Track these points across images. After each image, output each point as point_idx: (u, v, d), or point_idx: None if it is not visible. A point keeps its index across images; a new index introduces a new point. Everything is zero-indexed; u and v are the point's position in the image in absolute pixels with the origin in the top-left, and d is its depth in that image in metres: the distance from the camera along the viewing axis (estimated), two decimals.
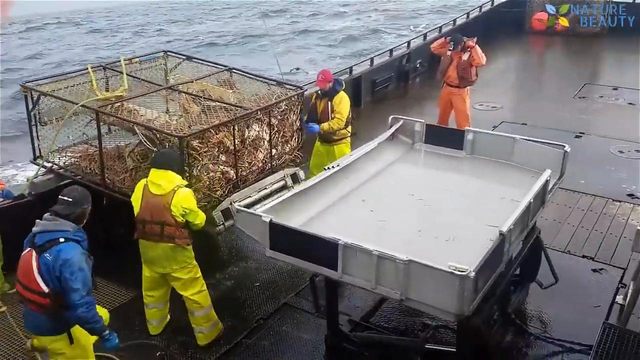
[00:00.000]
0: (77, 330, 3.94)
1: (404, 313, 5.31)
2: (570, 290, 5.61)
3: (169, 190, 4.52)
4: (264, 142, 5.78)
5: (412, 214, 4.68)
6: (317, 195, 4.67)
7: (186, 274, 4.76)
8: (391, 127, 5.79)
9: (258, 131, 5.70)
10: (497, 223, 3.97)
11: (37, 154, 6.02)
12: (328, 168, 4.93)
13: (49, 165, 6.00)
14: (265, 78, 6.63)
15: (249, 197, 5.67)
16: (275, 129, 5.91)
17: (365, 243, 3.65)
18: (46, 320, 3.82)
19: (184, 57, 6.99)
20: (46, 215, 3.82)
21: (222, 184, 5.38)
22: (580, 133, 9.58)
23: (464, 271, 3.33)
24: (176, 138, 4.99)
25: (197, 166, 5.15)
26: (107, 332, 3.87)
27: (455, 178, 5.41)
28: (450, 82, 8.73)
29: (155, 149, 5.21)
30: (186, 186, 4.73)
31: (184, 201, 4.53)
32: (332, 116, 6.71)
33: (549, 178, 4.70)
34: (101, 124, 5.57)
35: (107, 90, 5.99)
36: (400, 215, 4.61)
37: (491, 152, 5.53)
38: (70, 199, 3.82)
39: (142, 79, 6.23)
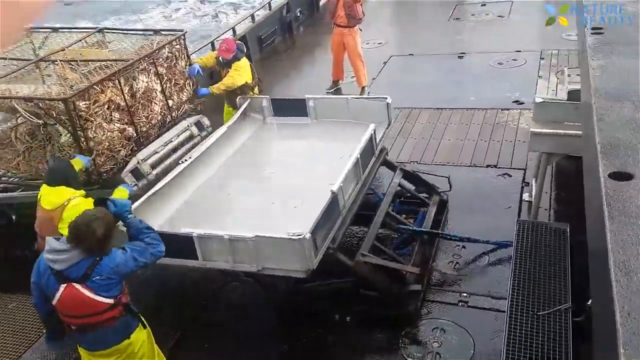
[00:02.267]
0: None
1: None
2: (482, 198, 6.09)
3: (58, 205, 4.25)
4: (156, 93, 5.57)
5: (265, 188, 5.32)
6: (174, 191, 5.07)
7: None
8: (240, 107, 6.19)
9: (147, 82, 5.47)
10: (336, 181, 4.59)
11: None
12: (182, 162, 5.24)
13: None
14: (141, 30, 6.40)
15: (157, 152, 5.52)
16: (165, 77, 5.70)
17: (220, 229, 4.20)
18: (116, 330, 3.62)
19: (49, 30, 6.51)
20: (57, 244, 3.44)
21: (123, 142, 5.16)
22: (461, 53, 10.13)
23: (300, 235, 3.96)
24: (60, 102, 4.71)
25: (91, 127, 4.90)
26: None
27: (302, 145, 6.04)
28: (340, 23, 8.77)
29: (41, 122, 4.92)
30: (84, 150, 4.55)
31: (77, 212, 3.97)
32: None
33: (373, 132, 5.35)
34: None
35: None
36: (254, 193, 5.22)
37: (331, 114, 6.12)
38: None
39: (9, 58, 5.75)
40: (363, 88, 9.09)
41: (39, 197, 4.42)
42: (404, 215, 5.61)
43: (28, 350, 5.03)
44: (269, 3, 11.94)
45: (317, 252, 4.17)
